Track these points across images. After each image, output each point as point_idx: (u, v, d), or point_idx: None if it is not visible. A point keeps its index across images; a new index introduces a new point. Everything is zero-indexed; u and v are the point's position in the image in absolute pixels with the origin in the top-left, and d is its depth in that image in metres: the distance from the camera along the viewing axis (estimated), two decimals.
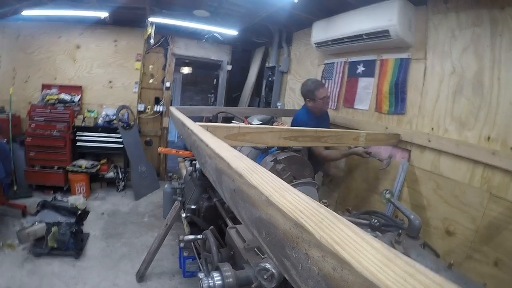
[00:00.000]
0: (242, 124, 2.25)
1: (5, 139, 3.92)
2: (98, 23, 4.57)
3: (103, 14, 3.92)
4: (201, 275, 1.32)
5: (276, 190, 0.45)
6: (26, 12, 3.86)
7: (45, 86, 4.61)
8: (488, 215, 1.77)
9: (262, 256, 1.33)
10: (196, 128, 1.12)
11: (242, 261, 1.42)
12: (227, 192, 0.67)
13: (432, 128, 2.18)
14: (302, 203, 0.40)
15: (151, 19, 4.14)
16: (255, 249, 1.49)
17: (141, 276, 2.77)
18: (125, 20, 4.67)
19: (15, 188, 4.26)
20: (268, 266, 1.12)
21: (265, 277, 1.12)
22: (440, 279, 0.24)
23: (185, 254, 2.61)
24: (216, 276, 1.23)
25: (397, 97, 2.48)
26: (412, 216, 1.28)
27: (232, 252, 1.62)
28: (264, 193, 0.44)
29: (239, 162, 0.62)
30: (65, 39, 4.72)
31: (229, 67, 5.83)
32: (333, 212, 0.37)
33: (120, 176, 4.92)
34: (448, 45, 2.09)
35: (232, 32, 4.46)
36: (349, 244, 0.29)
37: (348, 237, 0.31)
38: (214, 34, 4.83)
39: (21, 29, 4.54)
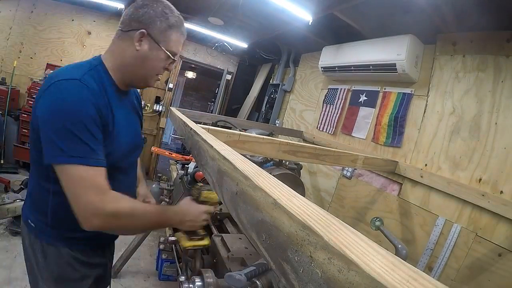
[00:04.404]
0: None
1: (0, 112, 3.87)
2: (113, 14, 4.62)
3: (119, 5, 3.98)
4: (181, 278, 1.31)
5: (283, 194, 0.46)
6: None
7: (50, 66, 4.57)
8: (472, 256, 1.79)
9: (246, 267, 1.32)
10: (200, 129, 1.13)
11: (225, 270, 1.41)
12: (227, 194, 0.67)
13: (426, 164, 2.21)
14: (309, 208, 0.41)
15: None
16: (239, 259, 1.48)
17: (115, 272, 2.70)
18: None
19: (1, 161, 4.17)
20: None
21: None
22: (442, 286, 0.26)
23: (163, 256, 2.56)
24: (198, 281, 1.22)
25: (395, 130, 2.52)
26: (399, 246, 1.29)
27: (214, 260, 1.60)
28: (272, 195, 0.45)
29: (244, 165, 0.63)
30: (77, 23, 4.75)
31: (232, 77, 5.91)
32: (339, 220, 0.38)
33: None
34: (451, 85, 2.16)
35: (242, 44, 4.54)
36: (356, 248, 0.30)
37: (355, 242, 0.32)
38: (224, 44, 4.91)
39: (36, 4, 4.55)
